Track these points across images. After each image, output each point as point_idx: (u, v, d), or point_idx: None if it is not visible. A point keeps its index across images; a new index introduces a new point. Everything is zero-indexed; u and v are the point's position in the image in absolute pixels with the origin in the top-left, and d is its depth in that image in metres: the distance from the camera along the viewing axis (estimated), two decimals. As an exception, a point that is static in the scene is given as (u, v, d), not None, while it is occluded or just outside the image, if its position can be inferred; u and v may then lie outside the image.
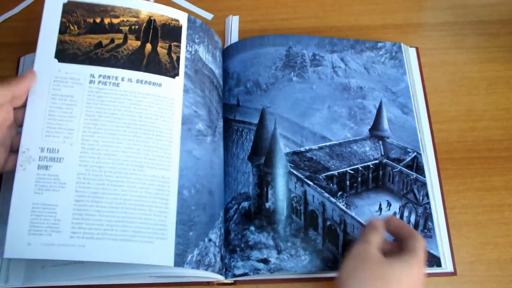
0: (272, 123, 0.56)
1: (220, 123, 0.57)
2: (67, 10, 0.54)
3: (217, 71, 0.59)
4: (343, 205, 0.54)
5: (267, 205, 0.54)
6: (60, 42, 0.52)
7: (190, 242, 0.49)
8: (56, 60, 0.52)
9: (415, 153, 0.56)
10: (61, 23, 0.53)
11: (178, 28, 0.56)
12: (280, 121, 0.57)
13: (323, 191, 0.54)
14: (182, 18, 0.57)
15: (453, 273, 0.52)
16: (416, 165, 0.56)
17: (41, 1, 0.68)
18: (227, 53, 0.62)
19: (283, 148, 0.56)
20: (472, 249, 0.54)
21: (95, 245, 0.46)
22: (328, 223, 0.53)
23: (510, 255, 0.54)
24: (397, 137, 0.57)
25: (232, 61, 0.61)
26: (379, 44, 0.62)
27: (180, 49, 0.55)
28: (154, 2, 0.69)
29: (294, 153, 0.56)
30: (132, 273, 0.48)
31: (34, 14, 0.67)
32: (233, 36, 0.66)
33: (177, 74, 0.54)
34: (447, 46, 0.65)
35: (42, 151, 0.48)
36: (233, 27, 0.66)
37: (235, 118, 0.58)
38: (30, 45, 0.63)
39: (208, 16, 0.68)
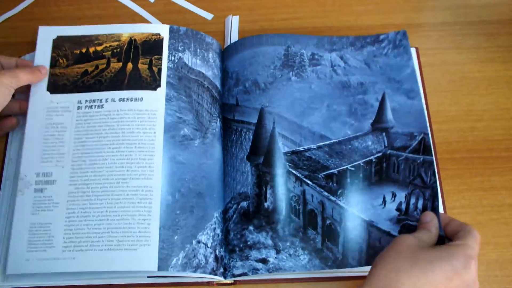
0: (270, 122, 0.56)
1: (215, 124, 0.57)
2: (56, 45, 0.58)
3: (210, 73, 0.59)
4: (344, 203, 0.53)
5: (266, 204, 0.54)
6: (51, 75, 0.57)
7: (174, 246, 0.50)
8: (48, 93, 0.56)
9: (423, 135, 0.55)
10: (52, 57, 0.58)
11: (159, 42, 0.59)
12: (278, 120, 0.56)
13: (322, 190, 0.54)
14: (163, 31, 0.59)
15: (453, 273, 0.52)
16: (424, 147, 0.54)
17: (41, 1, 0.69)
18: (227, 53, 0.62)
19: (281, 147, 0.55)
20: (472, 249, 0.54)
21: (84, 256, 0.49)
22: (328, 221, 0.53)
23: (510, 255, 0.54)
24: (402, 125, 0.56)
25: (231, 61, 0.61)
26: (381, 37, 0.61)
27: (161, 61, 0.58)
28: (154, 2, 0.69)
29: (293, 152, 0.56)
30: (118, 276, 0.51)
31: (34, 14, 0.68)
32: (233, 36, 0.65)
33: (159, 86, 0.56)
34: (447, 46, 0.65)
35: (37, 175, 0.53)
36: (233, 27, 0.66)
37: (234, 118, 0.58)
38: (30, 45, 0.64)
39: (208, 16, 0.68)
